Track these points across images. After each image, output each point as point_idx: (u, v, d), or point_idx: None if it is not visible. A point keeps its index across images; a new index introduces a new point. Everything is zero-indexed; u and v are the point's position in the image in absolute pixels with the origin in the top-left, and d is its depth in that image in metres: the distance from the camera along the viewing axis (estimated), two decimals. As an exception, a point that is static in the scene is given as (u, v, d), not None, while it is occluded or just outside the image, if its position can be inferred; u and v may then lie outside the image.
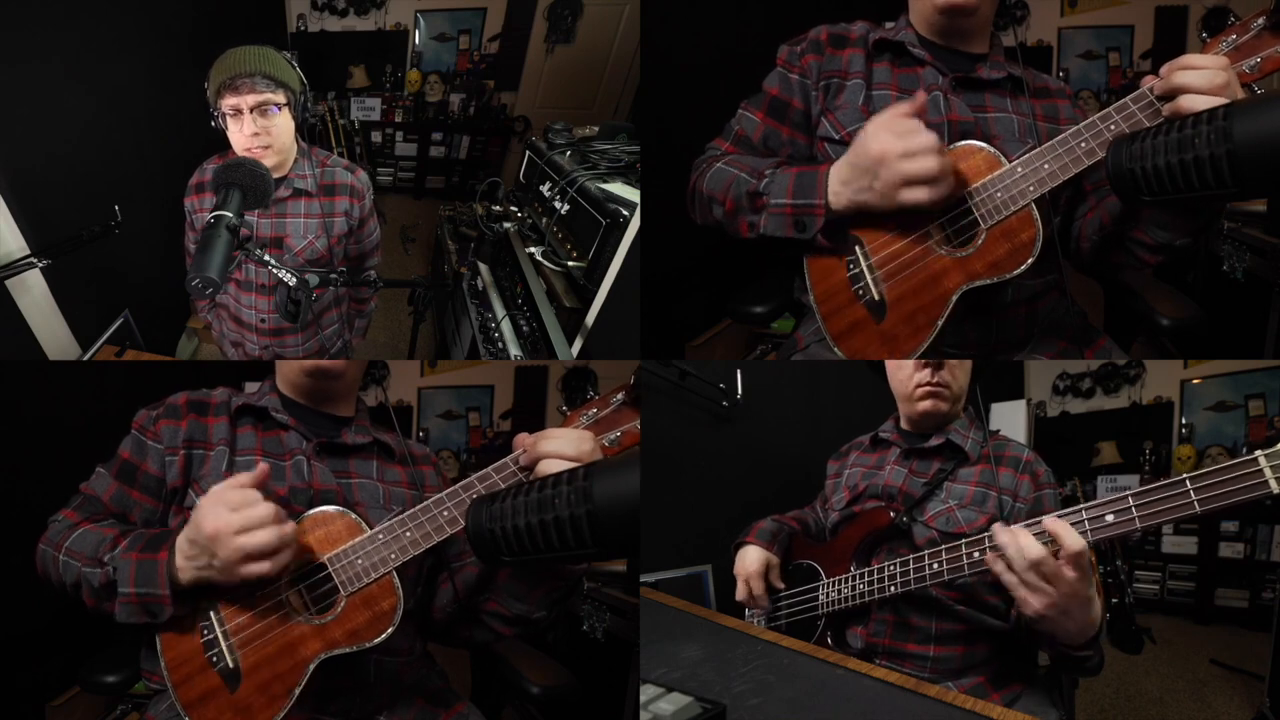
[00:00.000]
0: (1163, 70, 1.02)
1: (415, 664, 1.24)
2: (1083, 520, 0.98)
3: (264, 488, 1.01)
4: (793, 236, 1.18)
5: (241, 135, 1.59)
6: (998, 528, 1.03)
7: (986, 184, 1.10)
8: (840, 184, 1.13)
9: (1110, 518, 0.96)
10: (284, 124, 1.63)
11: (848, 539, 1.38)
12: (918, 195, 1.07)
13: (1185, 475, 0.89)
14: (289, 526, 0.99)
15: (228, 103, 1.57)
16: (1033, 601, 1.01)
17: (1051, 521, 0.99)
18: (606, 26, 4.42)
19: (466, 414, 3.91)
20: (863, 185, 1.10)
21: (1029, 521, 1.03)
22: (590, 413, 1.11)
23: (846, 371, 1.59)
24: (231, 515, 0.96)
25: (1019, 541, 1.00)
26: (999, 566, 1.04)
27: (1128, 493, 0.94)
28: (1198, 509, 0.88)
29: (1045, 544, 0.99)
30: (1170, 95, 1.01)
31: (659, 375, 2.03)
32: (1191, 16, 3.50)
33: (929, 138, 1.05)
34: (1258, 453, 0.85)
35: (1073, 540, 0.97)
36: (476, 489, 1.05)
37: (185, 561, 1.00)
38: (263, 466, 1.02)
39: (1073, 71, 3.81)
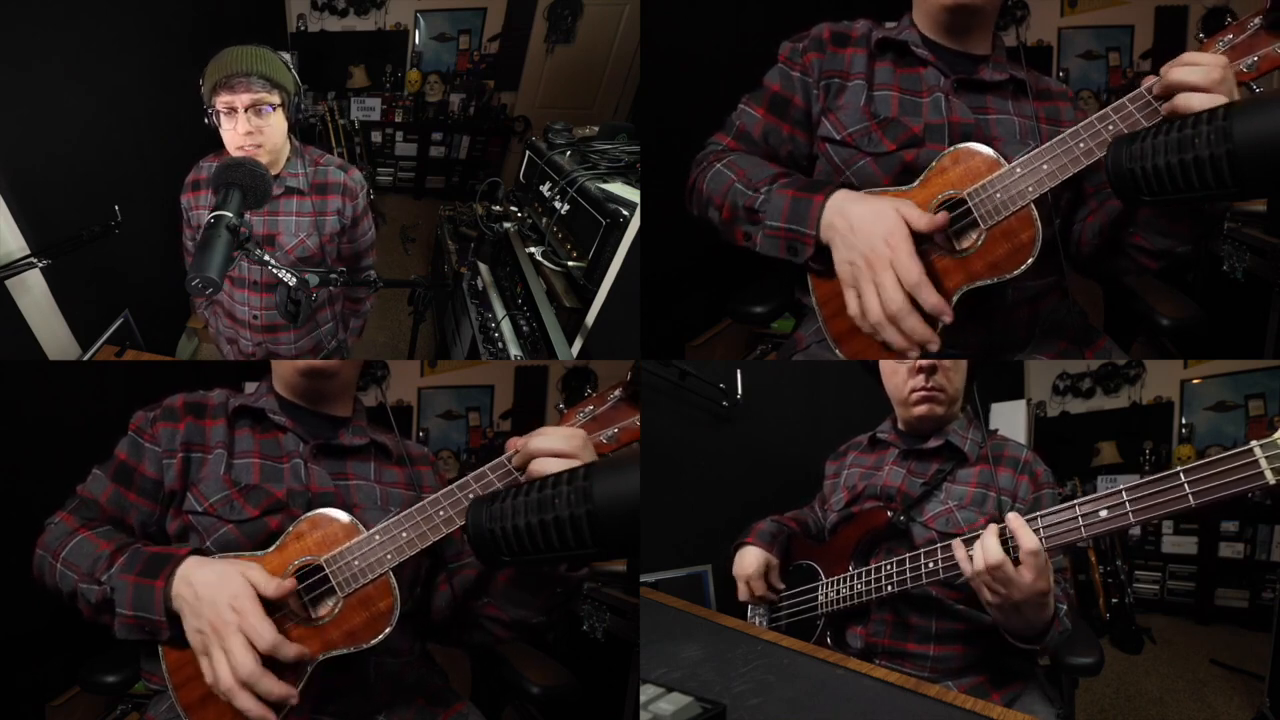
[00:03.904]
0: (1161, 69, 1.02)
1: (415, 664, 1.24)
2: (1076, 516, 0.98)
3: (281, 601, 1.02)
4: (785, 258, 1.19)
5: (235, 133, 1.61)
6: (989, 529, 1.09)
7: (985, 185, 1.09)
8: (829, 226, 1.13)
9: (1104, 513, 0.95)
10: (277, 123, 1.64)
11: (846, 539, 1.38)
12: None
13: (1179, 469, 0.88)
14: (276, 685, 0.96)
15: (222, 100, 1.58)
16: (987, 595, 1.10)
17: (1012, 519, 1.05)
18: (606, 26, 4.42)
19: (466, 414, 3.91)
20: (843, 254, 1.11)
21: (1001, 526, 1.08)
22: (587, 409, 1.10)
23: (846, 372, 1.59)
24: (231, 617, 0.96)
25: (983, 544, 1.07)
26: (963, 562, 1.11)
27: (1122, 487, 0.94)
28: (1192, 503, 0.87)
29: (1008, 543, 1.06)
30: (1169, 94, 1.01)
31: (659, 375, 2.03)
32: (1191, 16, 3.50)
33: (906, 276, 1.04)
34: (1253, 443, 0.84)
35: (1028, 539, 1.03)
36: (473, 488, 1.04)
37: (179, 600, 1.00)
38: (288, 585, 1.01)
39: (1073, 71, 3.81)
